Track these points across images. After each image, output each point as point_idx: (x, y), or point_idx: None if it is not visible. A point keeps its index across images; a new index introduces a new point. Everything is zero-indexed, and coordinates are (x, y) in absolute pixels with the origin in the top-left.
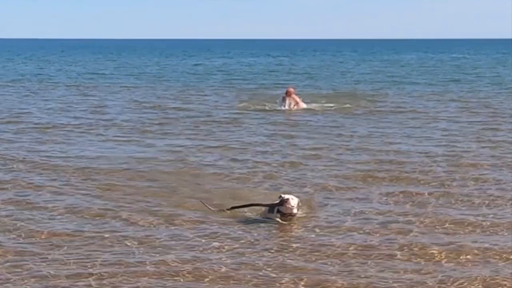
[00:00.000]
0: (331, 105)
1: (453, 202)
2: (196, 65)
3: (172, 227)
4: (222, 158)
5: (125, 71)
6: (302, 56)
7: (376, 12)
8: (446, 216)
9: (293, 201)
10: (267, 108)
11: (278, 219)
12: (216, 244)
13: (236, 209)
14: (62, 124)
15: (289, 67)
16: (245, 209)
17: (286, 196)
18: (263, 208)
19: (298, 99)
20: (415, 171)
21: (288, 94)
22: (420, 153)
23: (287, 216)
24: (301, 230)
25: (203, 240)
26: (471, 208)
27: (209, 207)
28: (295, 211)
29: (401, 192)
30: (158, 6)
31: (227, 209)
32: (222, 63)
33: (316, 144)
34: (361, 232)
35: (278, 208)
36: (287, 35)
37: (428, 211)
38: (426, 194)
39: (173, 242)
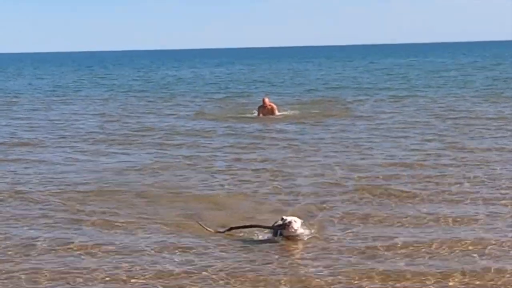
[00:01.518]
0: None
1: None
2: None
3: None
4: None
5: (96, 82)
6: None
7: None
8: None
9: (296, 223)
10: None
11: (281, 243)
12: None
13: (234, 230)
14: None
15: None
16: (245, 230)
17: (288, 219)
18: (265, 230)
19: (274, 106)
20: None
21: (264, 104)
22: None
23: (290, 237)
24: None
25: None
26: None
27: (206, 227)
28: (298, 232)
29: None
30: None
31: (226, 230)
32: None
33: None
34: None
35: (281, 232)
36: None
37: None
38: None
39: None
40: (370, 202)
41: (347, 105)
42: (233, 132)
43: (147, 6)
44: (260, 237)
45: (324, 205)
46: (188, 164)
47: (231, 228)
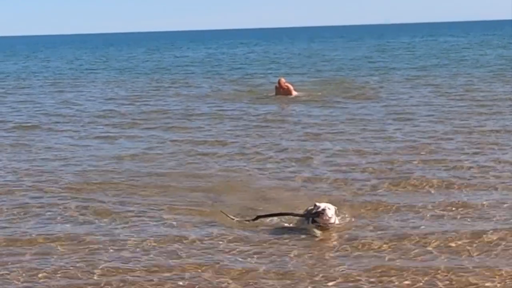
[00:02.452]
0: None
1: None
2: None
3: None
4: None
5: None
6: (287, 44)
7: None
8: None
9: (330, 211)
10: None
11: (315, 230)
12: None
13: (262, 219)
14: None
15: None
16: (274, 218)
17: (322, 206)
18: (296, 218)
19: (290, 86)
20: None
21: (280, 85)
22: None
23: (324, 225)
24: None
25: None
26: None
27: (231, 216)
28: (332, 221)
29: None
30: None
31: (252, 219)
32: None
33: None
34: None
35: (314, 219)
36: (267, 23)
37: None
38: None
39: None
40: (399, 190)
41: (365, 86)
42: (247, 115)
43: None
44: (291, 225)
45: (353, 191)
46: (206, 149)
47: (258, 217)
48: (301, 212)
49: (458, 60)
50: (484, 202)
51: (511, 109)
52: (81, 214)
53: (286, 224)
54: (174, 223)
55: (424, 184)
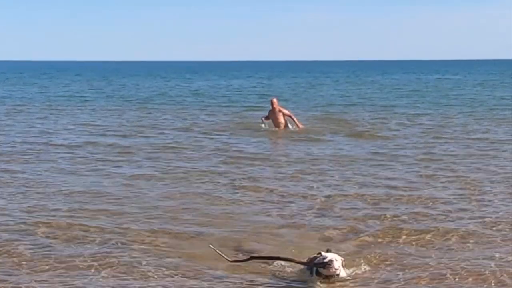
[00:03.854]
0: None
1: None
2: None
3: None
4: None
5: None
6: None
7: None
8: None
9: (337, 262)
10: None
11: (319, 284)
12: None
13: (257, 260)
14: None
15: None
16: (270, 262)
17: (329, 257)
18: (296, 266)
19: (284, 110)
20: None
21: (272, 105)
22: None
23: (329, 278)
24: None
25: None
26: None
27: (223, 255)
28: (338, 273)
29: None
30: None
31: (246, 259)
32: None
33: None
34: None
35: (318, 270)
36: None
37: None
38: None
39: None
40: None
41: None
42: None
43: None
44: (289, 271)
45: (361, 241)
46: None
47: (251, 258)
48: (303, 260)
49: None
50: None
51: None
52: None
53: (284, 272)
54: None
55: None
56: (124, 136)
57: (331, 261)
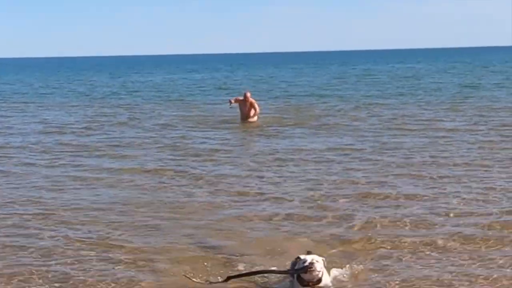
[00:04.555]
0: None
1: None
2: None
3: None
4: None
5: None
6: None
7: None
8: None
9: (319, 264)
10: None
11: None
12: None
13: (235, 279)
14: None
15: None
16: (248, 278)
17: (308, 259)
18: (277, 276)
19: (255, 105)
20: None
21: (245, 98)
22: None
23: (311, 285)
24: None
25: None
26: None
27: (193, 279)
28: (320, 276)
29: None
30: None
31: (223, 281)
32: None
33: None
34: None
35: (300, 275)
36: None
37: None
38: None
39: None
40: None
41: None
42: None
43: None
44: (274, 281)
45: (345, 236)
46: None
47: (228, 278)
48: (281, 268)
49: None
50: None
51: None
52: None
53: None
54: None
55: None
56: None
57: (311, 264)
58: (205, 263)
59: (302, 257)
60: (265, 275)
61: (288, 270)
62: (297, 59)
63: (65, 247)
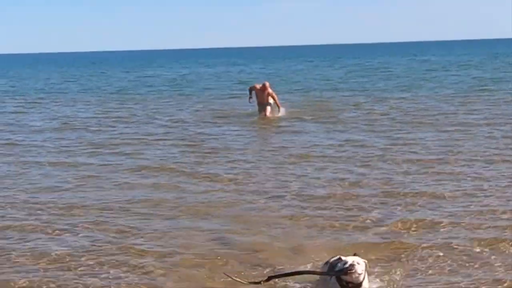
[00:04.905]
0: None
1: None
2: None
3: None
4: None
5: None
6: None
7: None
8: None
9: (360, 266)
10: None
11: None
12: None
13: (276, 279)
14: None
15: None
16: (289, 278)
17: (349, 261)
18: (316, 277)
19: (274, 95)
20: None
21: (263, 88)
22: None
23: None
24: None
25: None
26: None
27: (239, 279)
28: (361, 279)
29: None
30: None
31: (264, 280)
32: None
33: None
34: None
35: (341, 277)
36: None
37: None
38: None
39: None
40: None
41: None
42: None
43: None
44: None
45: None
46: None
47: (270, 278)
48: (321, 268)
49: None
50: None
51: None
52: None
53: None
54: None
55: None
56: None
57: (352, 266)
58: (231, 264)
59: (343, 258)
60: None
61: (330, 271)
62: (310, 52)
63: (81, 252)
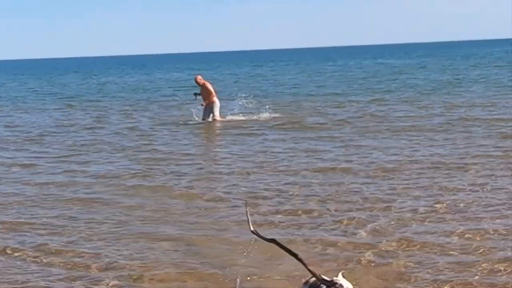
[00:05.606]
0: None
1: None
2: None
3: None
4: None
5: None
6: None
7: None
8: None
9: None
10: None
11: None
12: None
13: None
14: None
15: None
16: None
17: (344, 284)
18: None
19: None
20: None
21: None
22: None
23: None
24: None
25: None
26: None
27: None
28: None
29: None
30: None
31: (268, 239)
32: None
33: None
34: None
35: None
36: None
37: None
38: None
39: None
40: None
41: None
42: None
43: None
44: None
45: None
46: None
47: (273, 240)
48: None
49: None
50: None
51: None
52: None
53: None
54: None
55: None
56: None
57: (342, 286)
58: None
59: (336, 279)
60: None
61: (319, 276)
62: (274, 56)
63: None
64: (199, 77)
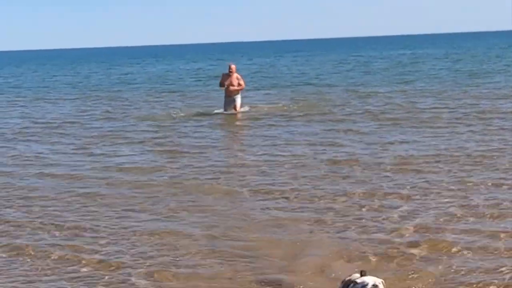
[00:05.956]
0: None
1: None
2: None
3: None
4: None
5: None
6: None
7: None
8: None
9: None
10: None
11: None
12: None
13: None
14: None
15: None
16: None
17: (370, 282)
18: None
19: (241, 80)
20: None
21: (231, 72)
22: None
23: None
24: None
25: None
26: None
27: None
28: None
29: None
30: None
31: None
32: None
33: None
34: None
35: None
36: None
37: None
38: None
39: None
40: None
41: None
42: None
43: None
44: None
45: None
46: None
47: None
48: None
49: None
50: None
51: None
52: None
53: None
54: None
55: None
56: None
57: (375, 286)
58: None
59: (359, 280)
60: None
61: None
62: (299, 46)
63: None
64: (234, 66)
